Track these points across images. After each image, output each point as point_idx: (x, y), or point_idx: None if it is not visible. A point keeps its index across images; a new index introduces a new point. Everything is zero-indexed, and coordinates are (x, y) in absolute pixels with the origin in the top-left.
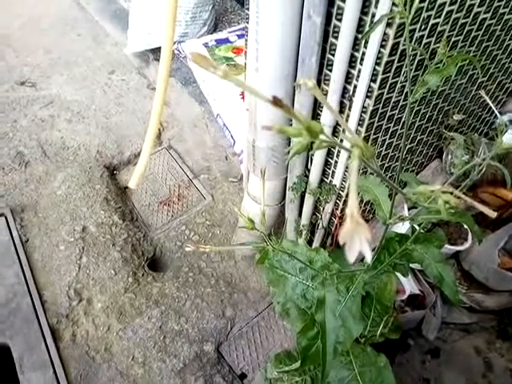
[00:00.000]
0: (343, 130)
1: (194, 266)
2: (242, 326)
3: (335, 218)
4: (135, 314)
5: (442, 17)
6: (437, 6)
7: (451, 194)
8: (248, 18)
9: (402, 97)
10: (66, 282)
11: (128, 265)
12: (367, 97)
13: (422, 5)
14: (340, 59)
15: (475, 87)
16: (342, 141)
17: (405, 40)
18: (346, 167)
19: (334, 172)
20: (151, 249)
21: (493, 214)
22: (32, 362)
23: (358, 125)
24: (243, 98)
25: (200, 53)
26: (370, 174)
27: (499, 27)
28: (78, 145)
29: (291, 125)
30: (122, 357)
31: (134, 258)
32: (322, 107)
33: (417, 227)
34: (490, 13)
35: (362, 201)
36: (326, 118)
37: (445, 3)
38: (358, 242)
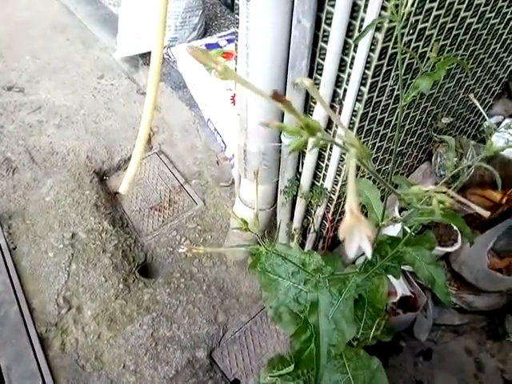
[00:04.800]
0: (334, 133)
1: (186, 272)
2: (235, 331)
3: (327, 221)
4: (126, 321)
5: (430, 21)
6: (424, 10)
7: (444, 193)
8: (238, 23)
9: (392, 100)
10: (54, 289)
11: (118, 271)
12: (357, 100)
13: (410, 9)
14: (330, 63)
15: (463, 90)
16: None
17: (395, 43)
18: (338, 170)
19: (325, 175)
20: (142, 255)
21: (486, 214)
22: (20, 371)
23: (349, 128)
24: (234, 102)
25: (199, 47)
26: (361, 177)
27: (485, 31)
28: (66, 150)
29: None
30: (113, 365)
31: (124, 265)
32: (313, 110)
33: (408, 229)
34: (477, 17)
35: None
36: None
37: (432, 8)
38: (358, 237)
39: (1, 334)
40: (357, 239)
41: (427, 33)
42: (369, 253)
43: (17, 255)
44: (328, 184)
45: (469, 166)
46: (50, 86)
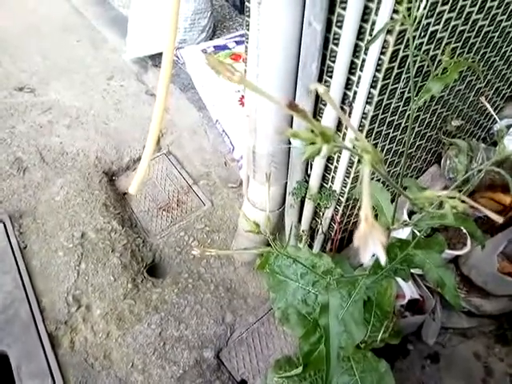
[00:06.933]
0: (344, 135)
1: (194, 272)
2: (242, 332)
3: (335, 223)
4: (135, 320)
5: (441, 24)
6: (436, 13)
7: (456, 198)
8: (248, 25)
9: (402, 103)
10: (64, 288)
11: (127, 271)
12: (367, 103)
13: (422, 12)
14: (340, 66)
15: (473, 93)
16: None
17: (406, 46)
18: (347, 173)
19: (333, 177)
20: (150, 255)
21: (499, 219)
22: (30, 369)
23: (358, 130)
24: (242, 103)
25: (215, 56)
26: (371, 179)
27: (497, 34)
28: (76, 150)
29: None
30: (122, 364)
31: (133, 264)
32: (322, 112)
33: (417, 232)
34: (488, 20)
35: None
36: (327, 124)
37: (444, 11)
38: (372, 244)
39: (11, 331)
40: (371, 246)
41: (438, 35)
42: (383, 259)
43: (27, 254)
44: (337, 186)
45: (480, 170)
46: (60, 86)
